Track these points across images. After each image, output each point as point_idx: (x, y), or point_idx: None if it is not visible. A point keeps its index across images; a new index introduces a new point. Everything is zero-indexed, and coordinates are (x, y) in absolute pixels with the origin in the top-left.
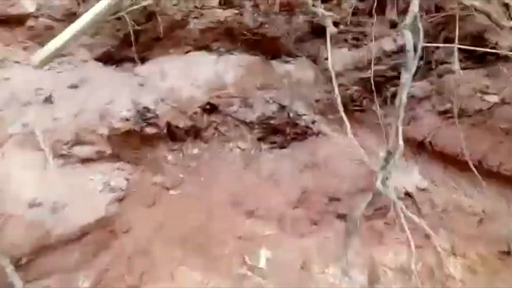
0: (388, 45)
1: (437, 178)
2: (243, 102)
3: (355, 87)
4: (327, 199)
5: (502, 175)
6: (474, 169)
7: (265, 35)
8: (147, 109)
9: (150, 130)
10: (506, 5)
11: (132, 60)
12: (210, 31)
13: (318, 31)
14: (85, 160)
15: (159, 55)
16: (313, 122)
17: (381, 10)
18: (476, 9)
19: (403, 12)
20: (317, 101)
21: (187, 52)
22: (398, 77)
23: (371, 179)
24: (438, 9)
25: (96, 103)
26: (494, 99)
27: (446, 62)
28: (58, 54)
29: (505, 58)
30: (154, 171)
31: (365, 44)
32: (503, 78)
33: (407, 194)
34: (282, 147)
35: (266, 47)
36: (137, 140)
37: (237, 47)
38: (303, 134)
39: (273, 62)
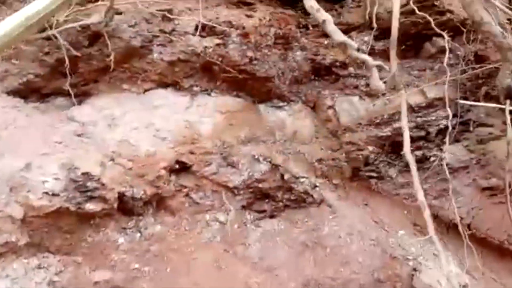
0: (414, 98)
1: (475, 269)
2: (224, 160)
3: (370, 147)
4: None
5: None
6: None
7: (254, 74)
8: (87, 175)
9: (92, 206)
10: None
11: (66, 95)
12: (181, 64)
13: (320, 72)
14: None
15: (107, 93)
16: (314, 187)
17: (403, 52)
18: None
19: (433, 57)
20: (319, 161)
21: (147, 90)
22: (425, 138)
23: (392, 265)
24: (480, 59)
25: (5, 168)
26: None
27: (486, 124)
28: None
29: None
30: (97, 263)
31: (383, 94)
32: None
33: None
34: (271, 216)
35: (254, 88)
36: (71, 220)
37: (217, 87)
38: (299, 201)
39: (261, 106)
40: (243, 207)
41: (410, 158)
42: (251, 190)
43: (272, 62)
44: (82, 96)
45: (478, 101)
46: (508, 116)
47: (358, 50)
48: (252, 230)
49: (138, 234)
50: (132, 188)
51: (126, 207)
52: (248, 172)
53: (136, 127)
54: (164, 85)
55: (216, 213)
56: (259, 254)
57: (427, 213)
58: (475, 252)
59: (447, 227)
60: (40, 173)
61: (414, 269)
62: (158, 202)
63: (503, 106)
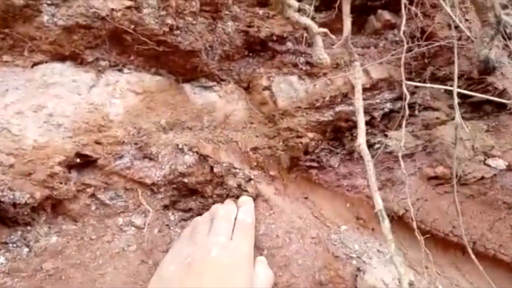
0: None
1: (419, 263)
2: (140, 152)
3: (310, 134)
4: None
5: (499, 259)
6: (471, 253)
7: (176, 47)
8: None
9: None
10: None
11: None
12: (82, 31)
13: (254, 47)
14: None
15: None
16: (249, 180)
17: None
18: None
19: (377, 32)
20: (254, 150)
21: (37, 63)
22: (369, 123)
23: (334, 265)
24: (426, 36)
25: None
26: (500, 165)
27: (432, 108)
28: None
29: (509, 109)
30: None
31: (325, 74)
32: (508, 136)
33: None
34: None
35: (177, 65)
36: None
37: (130, 61)
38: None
39: (187, 86)
40: (166, 206)
41: (366, 152)
42: (174, 186)
43: (198, 33)
44: None
45: (424, 82)
46: (456, 99)
47: (299, 11)
48: (176, 234)
49: (26, 249)
50: (12, 191)
51: (5, 216)
52: (170, 165)
53: (20, 111)
54: (60, 57)
55: (131, 216)
56: None
57: (386, 226)
58: (422, 245)
59: (391, 220)
60: None
61: (358, 269)
62: (53, 207)
63: (450, 88)
